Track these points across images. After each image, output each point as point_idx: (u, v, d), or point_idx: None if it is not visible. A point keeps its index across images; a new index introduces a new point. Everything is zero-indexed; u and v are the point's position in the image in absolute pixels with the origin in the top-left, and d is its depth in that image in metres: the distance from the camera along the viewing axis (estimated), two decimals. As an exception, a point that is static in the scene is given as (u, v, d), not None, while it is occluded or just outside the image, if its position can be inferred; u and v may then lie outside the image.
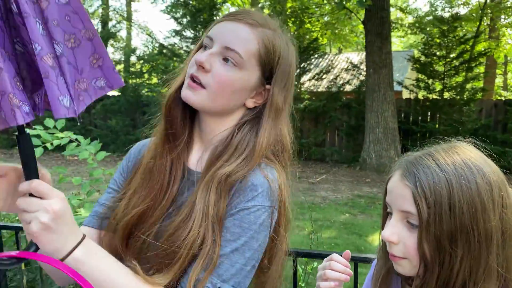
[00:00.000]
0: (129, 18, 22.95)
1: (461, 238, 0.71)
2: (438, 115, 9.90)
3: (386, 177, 0.83)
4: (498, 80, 19.47)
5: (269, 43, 0.93)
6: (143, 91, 12.32)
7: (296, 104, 10.36)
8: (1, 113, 0.69)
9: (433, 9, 15.34)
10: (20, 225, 2.15)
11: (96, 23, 19.52)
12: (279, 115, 0.96)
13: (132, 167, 1.05)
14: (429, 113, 10.10)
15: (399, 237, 0.77)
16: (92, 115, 12.64)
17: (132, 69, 12.67)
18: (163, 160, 0.97)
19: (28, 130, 0.74)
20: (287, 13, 11.57)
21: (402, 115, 10.20)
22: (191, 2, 11.45)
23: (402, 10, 14.80)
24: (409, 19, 15.52)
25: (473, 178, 0.73)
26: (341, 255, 0.96)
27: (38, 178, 0.73)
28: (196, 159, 0.98)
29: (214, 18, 11.09)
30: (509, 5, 12.68)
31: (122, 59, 14.00)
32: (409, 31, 12.44)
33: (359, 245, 5.14)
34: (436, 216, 0.71)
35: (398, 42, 24.65)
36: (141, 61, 12.64)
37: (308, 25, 11.81)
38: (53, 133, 2.58)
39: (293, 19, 11.23)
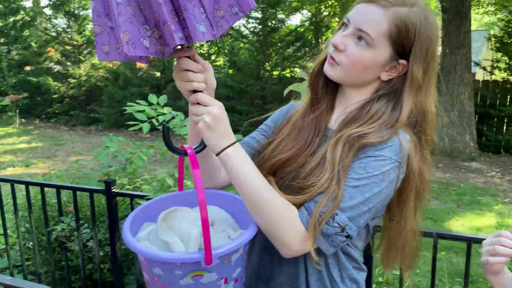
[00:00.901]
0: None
1: None
2: (519, 99, 9.28)
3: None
4: None
5: (401, 22, 0.99)
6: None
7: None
8: (161, 40, 0.89)
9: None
10: (134, 192, 2.36)
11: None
12: (419, 88, 1.02)
13: (282, 120, 1.22)
14: (508, 97, 9.48)
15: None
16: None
17: (199, 51, 12.97)
18: (308, 119, 1.13)
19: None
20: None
21: (479, 98, 9.66)
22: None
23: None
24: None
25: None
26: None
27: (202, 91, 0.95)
28: (335, 119, 1.12)
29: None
30: None
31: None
32: (490, 9, 11.57)
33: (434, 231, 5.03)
34: None
35: (473, 22, 23.09)
36: (208, 43, 12.90)
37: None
38: (156, 109, 2.77)
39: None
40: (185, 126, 2.78)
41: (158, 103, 2.81)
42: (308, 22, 13.45)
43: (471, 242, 1.60)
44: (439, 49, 1.06)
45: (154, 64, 13.27)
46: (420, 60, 1.01)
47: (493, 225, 5.23)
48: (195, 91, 0.95)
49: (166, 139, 0.99)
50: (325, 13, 13.52)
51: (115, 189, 2.28)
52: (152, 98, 2.83)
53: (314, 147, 1.09)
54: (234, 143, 0.95)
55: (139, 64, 13.72)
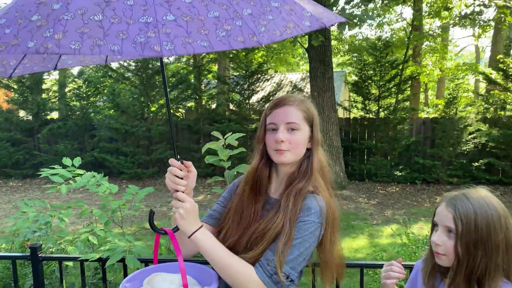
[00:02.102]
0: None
1: (481, 245, 1.22)
2: (375, 133, 10.92)
3: (435, 206, 1.35)
4: (421, 97, 21.46)
5: (307, 109, 1.47)
6: (91, 114, 12.22)
7: (247, 125, 10.91)
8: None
9: (366, 35, 16.80)
10: (63, 255, 2.42)
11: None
12: (319, 146, 1.49)
13: (232, 196, 1.57)
14: (366, 131, 11.10)
15: (442, 242, 1.28)
16: (37, 139, 12.28)
17: (79, 91, 12.51)
18: (250, 205, 1.49)
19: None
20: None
21: (343, 134, 11.12)
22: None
23: (338, 39, 16.05)
24: (345, 45, 16.91)
25: (489, 209, 1.24)
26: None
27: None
28: (275, 189, 1.50)
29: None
30: (429, 33, 14.29)
31: (67, 82, 13.72)
32: (346, 57, 13.51)
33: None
34: (466, 231, 1.22)
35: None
36: (87, 83, 12.53)
37: (256, 51, 12.51)
38: (73, 171, 2.86)
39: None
40: (98, 185, 2.91)
41: (73, 165, 2.90)
42: (190, 65, 13.96)
43: (363, 268, 2.10)
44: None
45: (26, 106, 12.38)
46: (317, 128, 1.49)
47: (366, 245, 6.12)
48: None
49: (151, 222, 1.30)
50: (204, 60, 14.16)
51: (41, 254, 2.32)
52: (66, 161, 2.92)
53: (258, 217, 1.45)
54: (201, 227, 1.31)
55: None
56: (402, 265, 1.47)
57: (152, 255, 2.38)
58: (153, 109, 11.78)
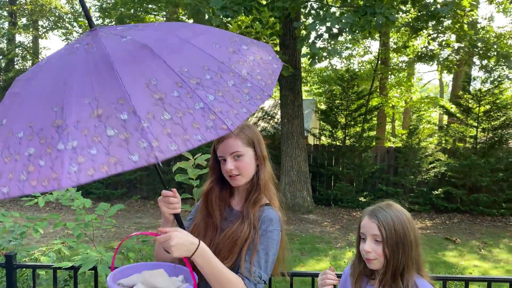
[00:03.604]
0: (36, 54, 22.21)
1: (401, 244, 1.51)
2: (341, 160, 11.34)
3: (359, 219, 1.63)
4: (387, 127, 22.33)
5: (244, 135, 1.70)
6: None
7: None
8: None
9: (334, 66, 17.55)
10: (37, 263, 2.55)
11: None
12: (265, 160, 1.75)
13: (195, 214, 1.81)
14: (334, 158, 11.52)
15: (372, 249, 1.54)
16: None
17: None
18: (209, 218, 1.74)
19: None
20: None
21: (311, 159, 11.49)
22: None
23: (307, 70, 16.75)
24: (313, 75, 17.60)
25: (402, 216, 1.55)
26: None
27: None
28: (237, 202, 1.75)
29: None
30: (394, 67, 15.06)
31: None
32: (315, 86, 14.07)
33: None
34: (389, 234, 1.51)
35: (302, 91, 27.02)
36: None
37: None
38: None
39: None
40: (72, 199, 3.07)
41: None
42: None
43: (314, 276, 2.35)
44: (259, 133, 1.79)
45: None
46: (259, 147, 1.73)
47: (329, 267, 6.34)
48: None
49: None
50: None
51: (15, 262, 2.44)
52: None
53: (219, 228, 1.69)
54: (199, 245, 1.43)
55: None
56: (336, 274, 1.72)
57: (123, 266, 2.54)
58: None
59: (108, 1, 16.27)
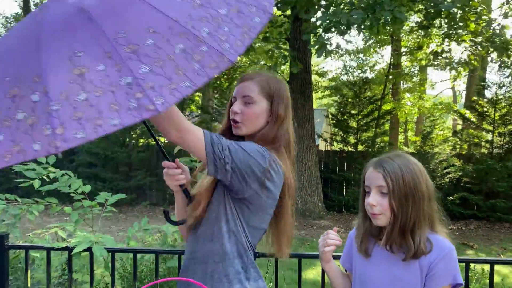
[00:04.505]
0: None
1: (410, 196, 1.33)
2: (353, 165, 11.11)
3: (363, 171, 1.45)
4: (400, 137, 22.02)
5: (266, 84, 1.54)
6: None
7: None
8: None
9: (346, 71, 17.43)
10: (29, 244, 2.43)
11: None
12: (281, 120, 1.54)
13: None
14: (345, 164, 11.30)
15: (377, 202, 1.37)
16: (14, 163, 12.09)
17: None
18: None
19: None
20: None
21: (322, 165, 11.28)
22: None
23: (318, 74, 16.64)
24: (325, 79, 17.48)
25: (411, 165, 1.37)
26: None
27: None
28: None
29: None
30: (406, 72, 14.88)
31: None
32: (326, 92, 13.96)
33: (295, 279, 5.67)
34: (396, 185, 1.33)
35: (314, 101, 26.97)
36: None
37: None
38: (46, 168, 2.90)
39: (225, 76, 12.16)
40: (69, 186, 2.94)
41: (47, 162, 2.94)
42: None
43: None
44: (289, 96, 1.60)
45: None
46: (279, 102, 1.54)
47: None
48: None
49: (168, 218, 1.46)
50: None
51: (7, 243, 2.32)
52: (41, 158, 2.95)
53: None
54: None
55: None
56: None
57: (120, 248, 2.41)
58: (133, 135, 11.82)
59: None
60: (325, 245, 1.51)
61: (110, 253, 2.27)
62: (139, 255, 3.01)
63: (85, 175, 11.54)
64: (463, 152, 10.96)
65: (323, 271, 2.18)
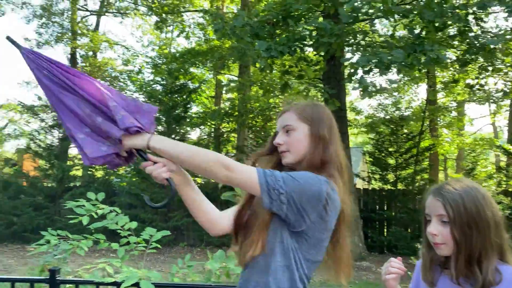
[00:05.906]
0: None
1: (473, 224, 1.28)
2: (394, 204, 10.79)
3: (423, 201, 1.42)
4: (440, 175, 21.30)
5: (302, 109, 1.55)
6: (113, 181, 12.52)
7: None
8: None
9: (381, 108, 17.31)
10: (79, 279, 2.47)
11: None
12: (326, 142, 1.51)
13: None
14: (385, 202, 10.99)
15: (438, 231, 1.33)
16: (59, 205, 12.52)
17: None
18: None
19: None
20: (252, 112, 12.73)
21: (362, 204, 11.02)
22: (164, 99, 12.37)
23: (355, 111, 16.59)
24: (361, 116, 17.44)
25: (473, 191, 1.32)
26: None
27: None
28: None
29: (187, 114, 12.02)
30: (444, 107, 14.61)
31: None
32: (363, 129, 13.84)
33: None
34: (457, 214, 1.29)
35: (349, 140, 26.72)
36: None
37: (274, 121, 12.99)
38: (95, 204, 2.99)
39: (260, 117, 12.35)
40: (116, 223, 3.03)
41: (96, 199, 3.04)
42: (206, 136, 14.51)
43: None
44: (331, 118, 1.59)
45: (49, 174, 12.81)
46: (320, 125, 1.51)
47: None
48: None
49: (149, 204, 1.54)
50: (224, 130, 14.70)
51: (59, 277, 2.38)
52: (91, 195, 3.07)
53: None
54: (151, 136, 1.39)
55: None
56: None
57: (167, 282, 2.42)
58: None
59: (160, 58, 17.27)
60: (387, 272, 1.47)
61: (157, 288, 2.28)
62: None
63: (125, 215, 11.75)
64: (510, 189, 10.47)
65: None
